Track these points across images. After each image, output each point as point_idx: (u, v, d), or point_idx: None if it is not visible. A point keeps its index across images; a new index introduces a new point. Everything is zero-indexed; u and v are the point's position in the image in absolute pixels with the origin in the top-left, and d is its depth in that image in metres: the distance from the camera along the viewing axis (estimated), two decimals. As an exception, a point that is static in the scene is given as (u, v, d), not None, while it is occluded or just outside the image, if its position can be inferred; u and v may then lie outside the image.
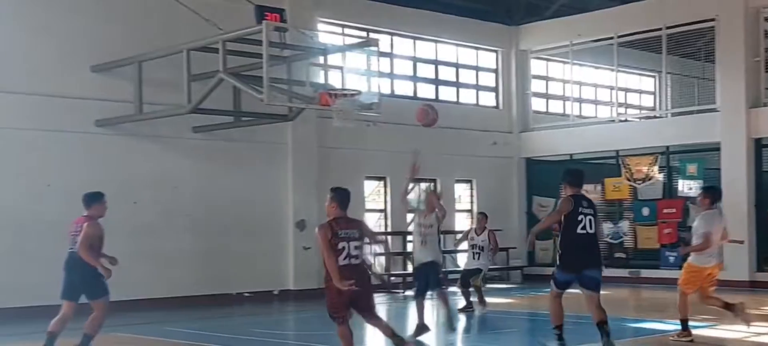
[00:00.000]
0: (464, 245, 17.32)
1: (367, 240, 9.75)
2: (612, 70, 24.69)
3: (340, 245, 9.30)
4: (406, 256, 21.32)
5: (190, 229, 18.66)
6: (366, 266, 9.65)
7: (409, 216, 15.21)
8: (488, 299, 16.76)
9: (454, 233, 22.48)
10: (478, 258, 16.29)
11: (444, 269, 14.99)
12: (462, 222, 24.19)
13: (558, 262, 10.66)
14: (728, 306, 11.97)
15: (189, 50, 16.22)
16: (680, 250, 13.59)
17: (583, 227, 10.35)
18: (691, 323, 12.21)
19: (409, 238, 18.32)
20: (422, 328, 13.11)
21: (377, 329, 9.92)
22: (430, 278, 13.35)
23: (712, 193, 12.16)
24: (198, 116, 17.73)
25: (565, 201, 10.48)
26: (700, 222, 11.81)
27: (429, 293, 13.58)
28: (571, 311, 11.74)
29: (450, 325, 13.65)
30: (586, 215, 10.39)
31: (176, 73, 16.62)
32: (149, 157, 18.21)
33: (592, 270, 10.46)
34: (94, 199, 11.29)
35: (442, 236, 14.51)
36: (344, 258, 9.30)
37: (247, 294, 19.46)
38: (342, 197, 9.61)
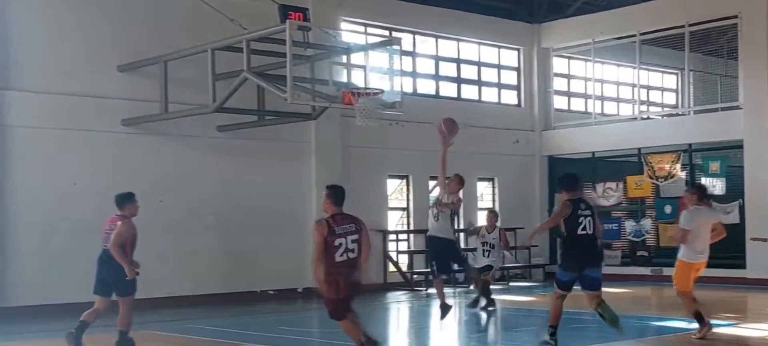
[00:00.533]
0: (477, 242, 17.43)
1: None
2: (634, 67, 24.64)
3: (338, 242, 9.59)
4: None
5: (214, 227, 18.81)
6: (359, 262, 9.81)
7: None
8: (511, 297, 16.82)
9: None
10: (489, 255, 16.37)
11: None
12: (484, 221, 24.27)
13: (560, 262, 11.21)
14: (699, 316, 12.09)
15: (213, 50, 16.33)
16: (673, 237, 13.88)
17: (584, 229, 10.79)
18: (714, 322, 12.26)
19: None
20: (446, 308, 13.28)
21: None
22: (449, 257, 13.57)
23: (699, 190, 12.47)
24: (222, 115, 17.87)
25: (564, 205, 10.89)
26: (682, 218, 12.11)
27: (453, 271, 13.80)
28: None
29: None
30: (585, 216, 10.82)
31: (201, 73, 16.76)
32: (174, 156, 18.38)
33: (593, 270, 10.91)
34: (126, 199, 11.57)
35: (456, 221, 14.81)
36: (342, 254, 9.60)
37: (271, 292, 19.59)
38: (337, 193, 9.93)
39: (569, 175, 11.55)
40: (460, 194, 14.07)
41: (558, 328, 11.06)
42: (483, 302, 15.85)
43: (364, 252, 9.82)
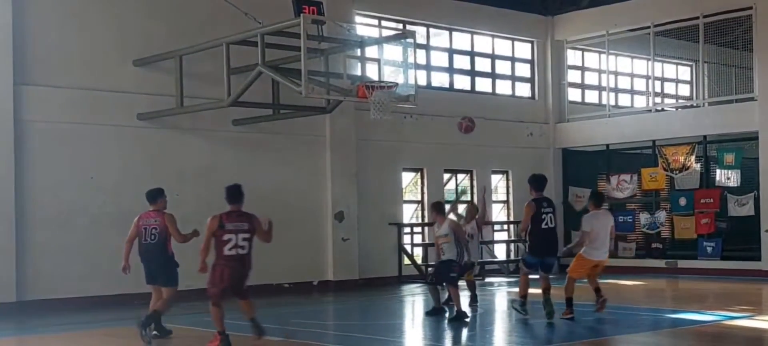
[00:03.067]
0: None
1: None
2: (648, 59, 24.59)
3: (227, 237, 10.47)
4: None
5: (230, 220, 18.85)
6: (250, 257, 10.76)
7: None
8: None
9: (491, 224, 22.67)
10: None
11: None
12: (498, 213, 24.34)
13: (527, 249, 13.61)
14: (597, 291, 13.75)
15: (228, 44, 16.39)
16: (564, 250, 15.79)
17: (546, 224, 13.15)
18: (731, 314, 12.33)
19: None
20: (439, 311, 13.90)
21: (243, 310, 10.99)
22: (442, 273, 13.92)
23: (596, 198, 14.15)
24: (237, 109, 17.91)
25: (529, 206, 13.17)
26: (583, 222, 13.67)
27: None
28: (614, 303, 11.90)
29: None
30: (547, 213, 13.16)
31: (216, 67, 16.85)
32: (190, 149, 18.48)
33: (551, 258, 13.53)
34: (160, 194, 12.32)
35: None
36: (231, 248, 10.50)
37: (287, 285, 19.66)
38: (230, 193, 10.90)
39: (536, 176, 13.58)
40: (447, 224, 14.11)
41: (526, 298, 13.41)
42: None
43: (261, 235, 10.74)
